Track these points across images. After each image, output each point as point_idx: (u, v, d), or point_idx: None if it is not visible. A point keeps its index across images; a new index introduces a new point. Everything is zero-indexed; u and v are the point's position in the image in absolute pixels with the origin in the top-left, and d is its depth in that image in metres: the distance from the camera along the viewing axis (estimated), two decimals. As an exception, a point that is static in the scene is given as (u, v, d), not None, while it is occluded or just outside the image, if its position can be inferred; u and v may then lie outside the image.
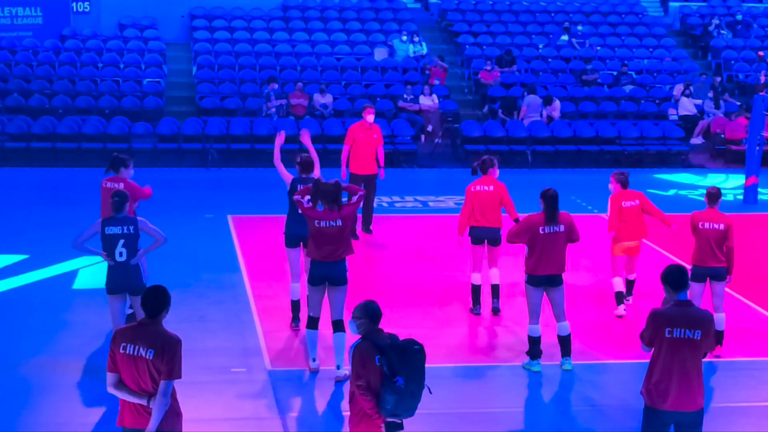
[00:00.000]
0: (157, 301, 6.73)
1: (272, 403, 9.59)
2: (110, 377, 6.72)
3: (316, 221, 9.90)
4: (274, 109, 23.03)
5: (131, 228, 9.71)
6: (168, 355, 6.59)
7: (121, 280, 9.75)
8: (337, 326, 10.01)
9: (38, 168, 20.96)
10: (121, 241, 9.65)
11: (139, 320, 6.83)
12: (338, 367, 10.08)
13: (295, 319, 11.52)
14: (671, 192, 20.21)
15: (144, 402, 6.64)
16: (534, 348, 10.49)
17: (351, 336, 10.27)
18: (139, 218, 9.89)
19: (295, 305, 11.55)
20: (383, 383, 6.59)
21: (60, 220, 16.15)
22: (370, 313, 6.83)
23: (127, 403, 6.73)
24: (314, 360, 10.28)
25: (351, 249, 10.16)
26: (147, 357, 6.59)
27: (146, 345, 6.61)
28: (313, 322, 10.18)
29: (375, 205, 16.45)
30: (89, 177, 20.15)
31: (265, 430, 9.10)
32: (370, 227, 16.12)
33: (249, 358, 10.64)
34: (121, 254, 9.69)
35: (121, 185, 10.80)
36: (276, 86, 23.37)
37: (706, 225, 10.85)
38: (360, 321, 6.84)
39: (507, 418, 9.47)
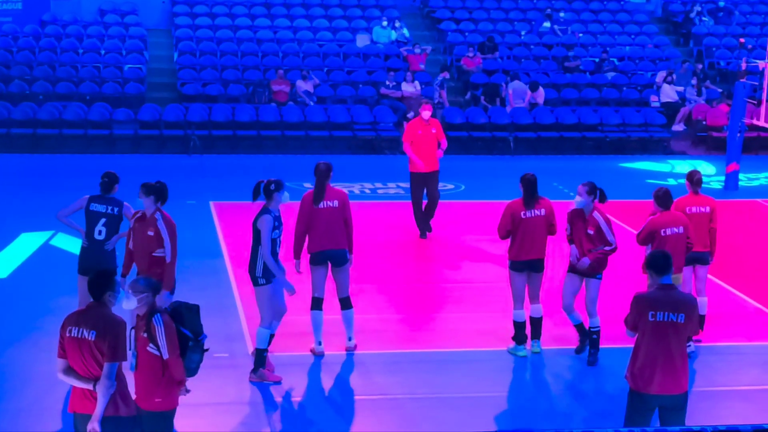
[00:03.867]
0: (100, 283, 6.76)
1: (255, 388, 9.59)
2: (59, 363, 6.76)
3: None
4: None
5: (116, 209, 9.76)
6: (110, 337, 6.60)
7: (94, 261, 9.65)
8: (345, 303, 10.33)
9: (18, 154, 20.83)
10: (103, 220, 9.69)
11: (87, 304, 6.85)
12: (349, 339, 10.45)
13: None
14: (671, 182, 20.21)
15: (90, 387, 6.64)
16: (519, 333, 10.50)
17: (357, 311, 10.43)
18: (126, 203, 9.87)
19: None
20: (187, 346, 6.90)
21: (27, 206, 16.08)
22: (153, 287, 6.99)
23: (77, 389, 6.75)
24: (320, 344, 10.30)
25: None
26: (90, 338, 6.61)
27: (89, 326, 6.63)
28: (317, 303, 10.23)
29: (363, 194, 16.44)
30: (70, 163, 20.11)
31: (248, 415, 9.10)
32: (430, 224, 15.24)
33: (232, 343, 10.62)
34: (100, 232, 9.72)
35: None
36: (447, 75, 23.20)
37: (693, 209, 10.72)
38: (143, 295, 6.92)
39: (492, 403, 9.49)
